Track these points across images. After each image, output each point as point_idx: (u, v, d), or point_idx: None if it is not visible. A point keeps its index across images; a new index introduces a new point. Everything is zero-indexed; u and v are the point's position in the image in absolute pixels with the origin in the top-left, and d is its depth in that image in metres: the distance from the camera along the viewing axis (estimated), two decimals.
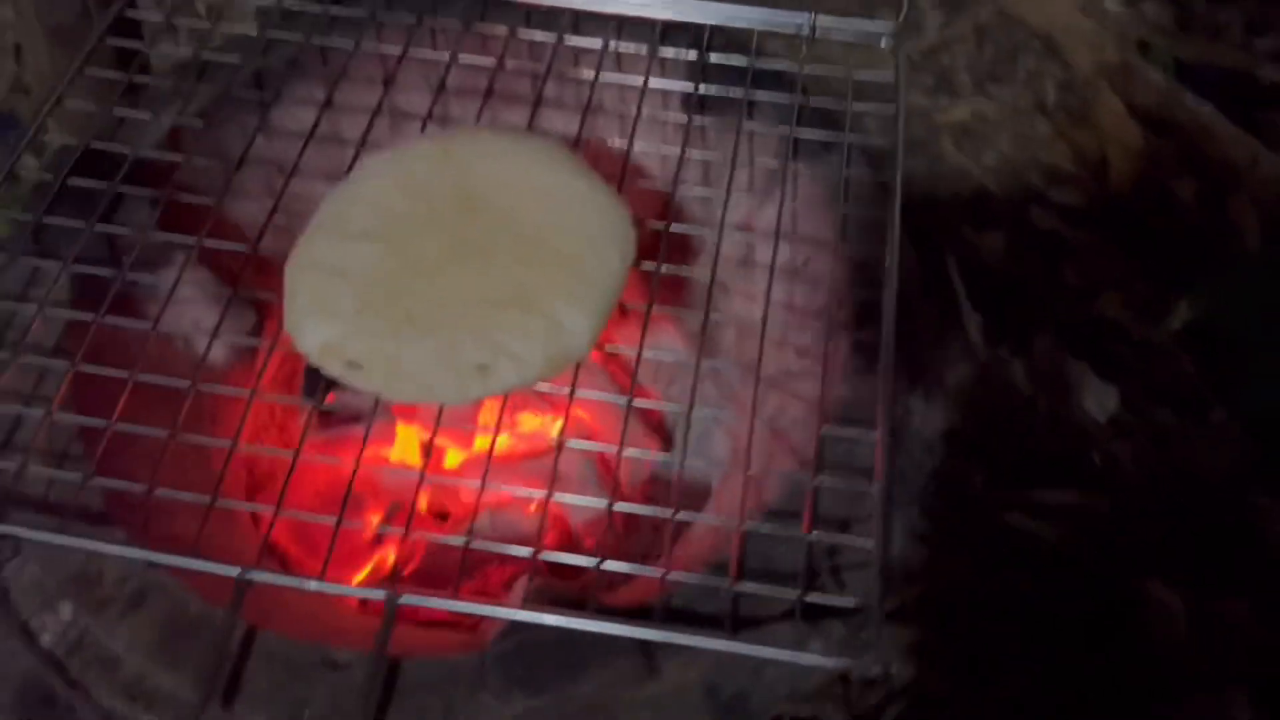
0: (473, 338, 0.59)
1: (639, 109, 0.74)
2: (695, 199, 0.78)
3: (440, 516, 0.82)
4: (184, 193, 0.71)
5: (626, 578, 0.64)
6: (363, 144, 0.71)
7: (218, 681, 0.57)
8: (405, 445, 0.83)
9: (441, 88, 0.74)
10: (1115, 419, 1.06)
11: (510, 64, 0.76)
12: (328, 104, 0.74)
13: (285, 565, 0.78)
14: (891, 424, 0.61)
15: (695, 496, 0.79)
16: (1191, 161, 1.22)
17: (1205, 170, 1.20)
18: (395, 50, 0.76)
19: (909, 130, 0.76)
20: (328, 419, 0.82)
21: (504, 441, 0.83)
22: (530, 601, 0.57)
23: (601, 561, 0.57)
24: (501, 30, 0.77)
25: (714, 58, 0.76)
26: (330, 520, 0.59)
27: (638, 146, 0.74)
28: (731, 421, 0.77)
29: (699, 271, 0.72)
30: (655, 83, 0.75)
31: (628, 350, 0.65)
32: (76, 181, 0.70)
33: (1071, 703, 0.90)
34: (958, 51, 1.34)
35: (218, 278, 0.74)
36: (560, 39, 0.77)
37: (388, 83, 0.75)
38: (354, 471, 0.61)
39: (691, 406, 0.64)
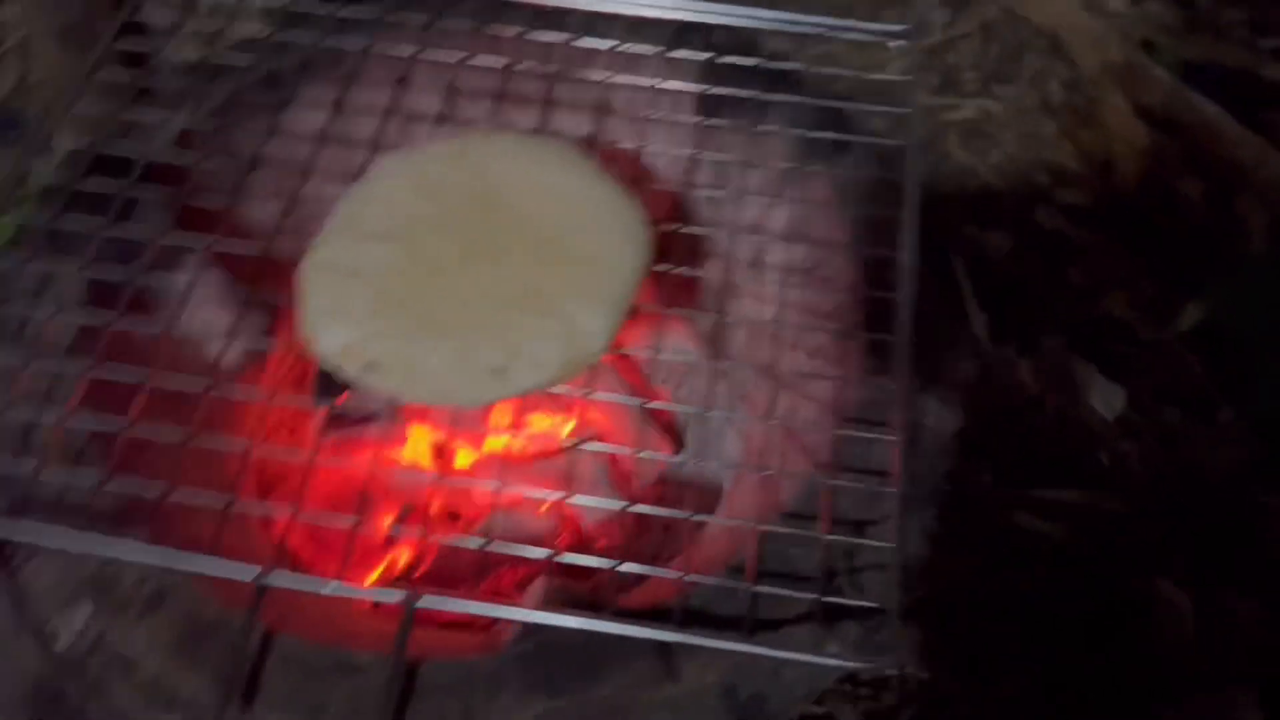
0: (490, 340, 0.59)
1: (650, 110, 0.74)
2: (706, 200, 0.78)
3: (451, 517, 0.82)
4: (196, 195, 0.71)
5: (639, 578, 0.64)
6: (374, 146, 0.71)
7: (236, 684, 0.57)
8: (416, 446, 0.83)
9: (453, 89, 0.74)
10: (1122, 419, 1.06)
11: (521, 65, 0.76)
12: (339, 106, 0.74)
13: (297, 566, 0.78)
14: (917, 426, 0.61)
15: (708, 497, 0.79)
16: (1197, 161, 1.22)
17: (1211, 170, 1.21)
18: (406, 52, 0.76)
19: (902, 126, 0.76)
20: (338, 420, 0.82)
21: (515, 442, 0.83)
22: (548, 603, 0.57)
23: (620, 564, 0.57)
24: (512, 31, 0.77)
25: (725, 59, 0.76)
26: (347, 522, 0.59)
27: (649, 148, 0.74)
28: (745, 422, 0.77)
29: (710, 273, 0.72)
30: (666, 84, 0.75)
31: (640, 352, 0.65)
32: (89, 184, 0.69)
33: (1078, 700, 0.90)
34: (963, 50, 1.34)
35: (229, 279, 0.74)
36: (571, 40, 0.77)
37: (399, 84, 0.75)
38: (369, 473, 0.61)
39: (708, 409, 0.64)
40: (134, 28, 0.79)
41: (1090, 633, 0.95)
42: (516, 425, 0.80)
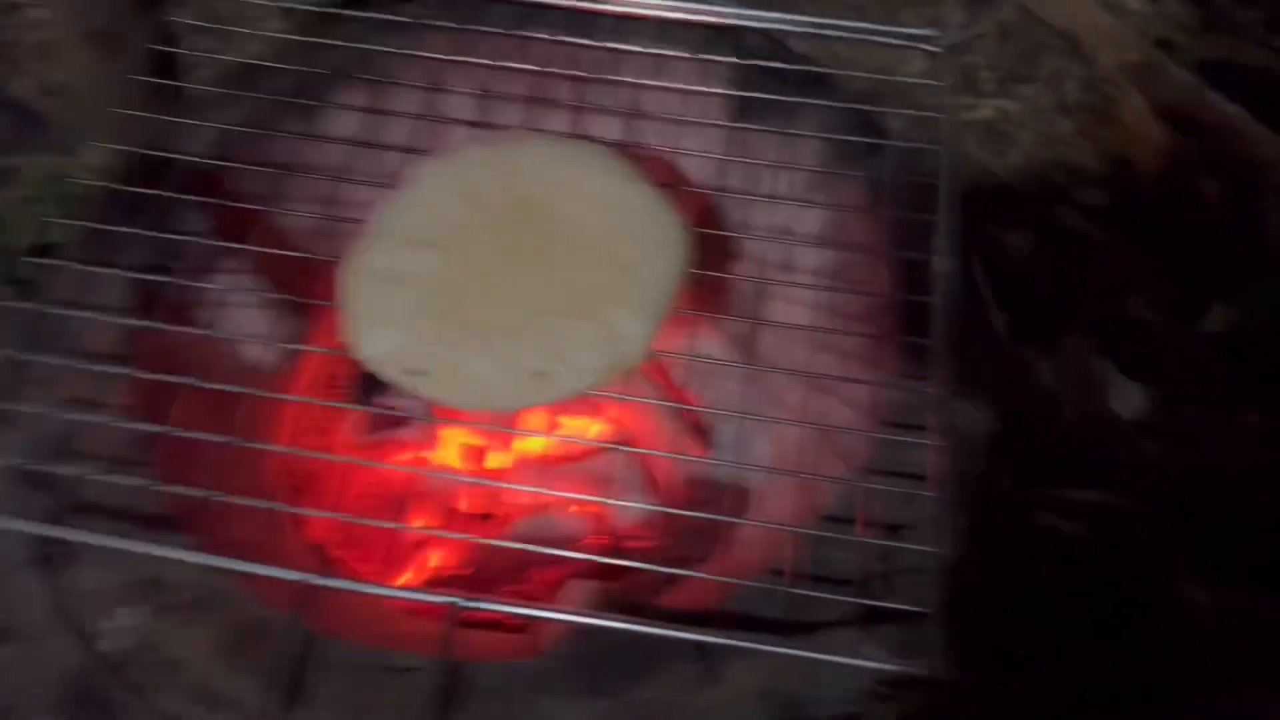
0: (531, 345, 0.60)
1: (682, 114, 0.74)
2: (737, 203, 0.78)
3: (483, 518, 0.83)
4: (232, 199, 0.72)
5: (675, 579, 0.65)
6: (409, 150, 0.72)
7: (285, 685, 0.57)
8: (450, 448, 0.84)
9: (486, 93, 0.75)
10: (1143, 418, 1.07)
11: (553, 69, 0.76)
12: (373, 110, 0.75)
13: (334, 568, 0.78)
14: (951, 430, 0.62)
15: (738, 499, 0.80)
16: (1216, 160, 1.22)
17: (1231, 169, 1.21)
18: (439, 56, 0.76)
19: (933, 129, 0.77)
20: (374, 422, 0.83)
21: (546, 444, 0.83)
22: (591, 606, 0.57)
23: (663, 567, 0.58)
24: (544, 36, 0.78)
25: (756, 62, 0.77)
26: (389, 525, 0.59)
27: (681, 151, 0.74)
28: (778, 425, 0.77)
29: (742, 276, 0.72)
30: (698, 87, 0.75)
31: (676, 356, 0.66)
32: (128, 188, 0.70)
33: (1101, 699, 0.91)
34: (981, 50, 1.34)
35: (265, 282, 0.74)
36: (603, 44, 0.77)
37: (433, 88, 0.75)
38: (408, 476, 0.62)
39: (742, 412, 0.65)
40: (166, 31, 0.80)
41: (1112, 632, 0.95)
42: (549, 428, 0.81)
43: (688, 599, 0.64)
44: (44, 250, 0.68)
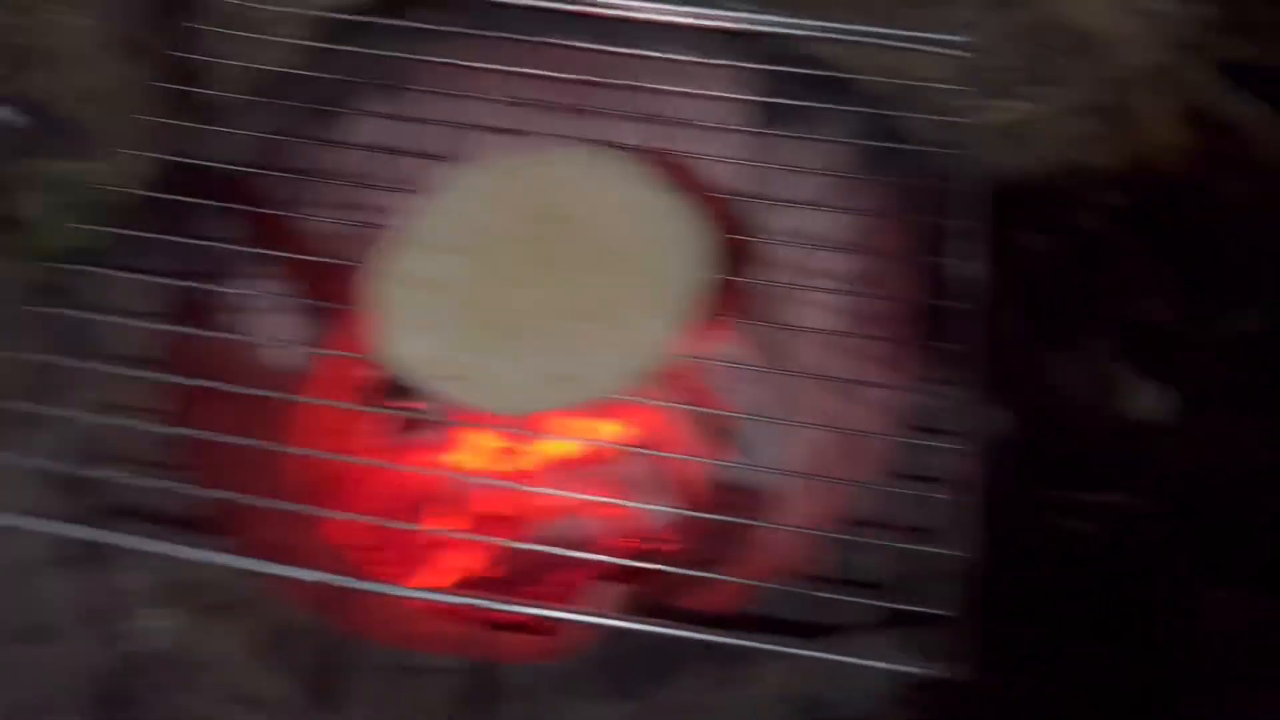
0: (557, 350, 0.61)
1: (706, 120, 0.75)
2: (761, 208, 0.79)
3: (507, 520, 0.83)
4: (258, 205, 0.73)
5: (700, 581, 0.65)
6: (435, 156, 0.72)
7: (315, 686, 0.58)
8: (474, 450, 0.84)
9: (512, 100, 0.75)
10: (1165, 421, 1.06)
11: (578, 76, 0.77)
12: (399, 116, 0.75)
13: (357, 568, 0.79)
14: (981, 435, 0.62)
15: (761, 502, 0.80)
16: (1239, 162, 1.22)
17: (1253, 171, 1.20)
18: (465, 63, 0.77)
19: (956, 133, 0.77)
20: (396, 425, 0.84)
21: (570, 447, 0.84)
22: (622, 609, 0.58)
23: (687, 569, 0.58)
24: (569, 42, 0.78)
25: (781, 68, 0.77)
26: (418, 527, 0.60)
27: (708, 157, 0.75)
28: (803, 429, 0.78)
29: (770, 281, 0.73)
30: (722, 93, 0.76)
31: (700, 359, 0.66)
32: (157, 194, 0.71)
33: (1122, 702, 0.91)
34: (1002, 52, 1.34)
35: (292, 287, 0.75)
36: (627, 51, 0.78)
37: (459, 95, 0.76)
38: (435, 478, 0.63)
39: (766, 415, 0.65)
40: (193, 39, 0.81)
41: (1133, 634, 0.95)
42: (572, 430, 0.82)
43: (712, 601, 0.64)
44: (71, 256, 0.69)
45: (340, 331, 0.79)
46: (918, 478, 0.65)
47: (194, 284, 0.68)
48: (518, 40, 0.79)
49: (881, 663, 0.57)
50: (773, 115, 0.76)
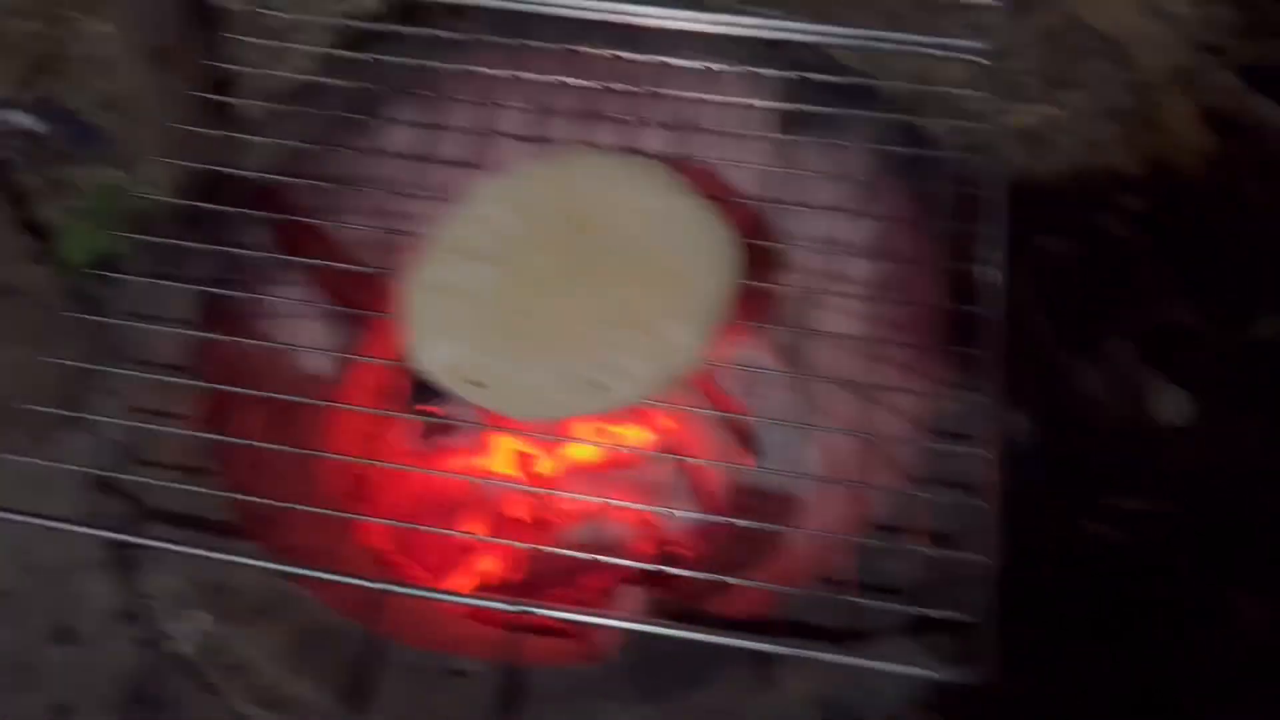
0: (586, 356, 0.62)
1: (732, 127, 0.75)
2: (788, 215, 0.79)
3: (535, 524, 0.84)
4: (289, 213, 0.73)
5: (725, 586, 0.66)
6: (465, 165, 0.73)
7: (347, 688, 0.59)
8: (501, 455, 0.85)
9: (541, 108, 0.76)
10: (1190, 425, 1.06)
11: (606, 85, 0.78)
12: (430, 125, 0.76)
13: (388, 571, 0.80)
14: (1002, 440, 0.62)
15: (785, 507, 0.80)
16: (1262, 165, 1.21)
17: (1276, 173, 1.20)
18: (495, 72, 0.78)
19: (979, 138, 0.77)
20: (426, 430, 0.84)
21: (594, 452, 0.85)
22: (647, 613, 0.59)
23: (715, 575, 0.59)
24: (597, 52, 0.79)
25: (804, 74, 0.77)
26: (451, 533, 0.61)
27: (731, 163, 0.75)
28: (826, 434, 0.78)
29: (790, 286, 0.73)
30: (748, 101, 0.76)
31: (727, 365, 0.67)
32: (191, 203, 0.72)
33: (1149, 705, 0.91)
34: (1024, 56, 1.34)
35: (323, 294, 0.76)
36: (655, 59, 0.78)
37: (488, 104, 0.77)
38: (466, 483, 0.64)
39: (792, 420, 0.66)
40: (223, 48, 0.82)
41: (1159, 639, 0.95)
42: (598, 436, 0.82)
43: (740, 606, 0.65)
44: (102, 262, 0.70)
45: (370, 338, 0.80)
46: (940, 483, 0.65)
47: (225, 291, 0.69)
48: (547, 49, 0.79)
49: (905, 668, 0.58)
50: (795, 121, 0.76)
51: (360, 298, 0.70)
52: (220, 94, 0.81)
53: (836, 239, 0.78)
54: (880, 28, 0.80)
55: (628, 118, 0.78)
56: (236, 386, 0.64)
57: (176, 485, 0.63)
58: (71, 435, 0.64)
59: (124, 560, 0.68)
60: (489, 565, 0.81)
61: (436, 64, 0.80)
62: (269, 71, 0.81)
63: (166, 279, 0.70)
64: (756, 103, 0.77)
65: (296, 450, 0.62)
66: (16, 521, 0.60)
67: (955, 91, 0.78)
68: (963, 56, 0.79)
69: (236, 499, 0.62)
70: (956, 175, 0.74)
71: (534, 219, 0.66)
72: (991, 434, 0.63)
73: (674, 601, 0.67)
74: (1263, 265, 1.14)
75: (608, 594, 0.77)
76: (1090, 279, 1.16)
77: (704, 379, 0.89)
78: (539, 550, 0.62)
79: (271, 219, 0.74)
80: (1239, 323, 1.10)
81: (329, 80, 0.80)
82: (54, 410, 0.64)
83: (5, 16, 1.37)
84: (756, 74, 0.78)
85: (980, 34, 0.80)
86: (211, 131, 0.77)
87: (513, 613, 0.58)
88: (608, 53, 0.79)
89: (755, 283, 0.68)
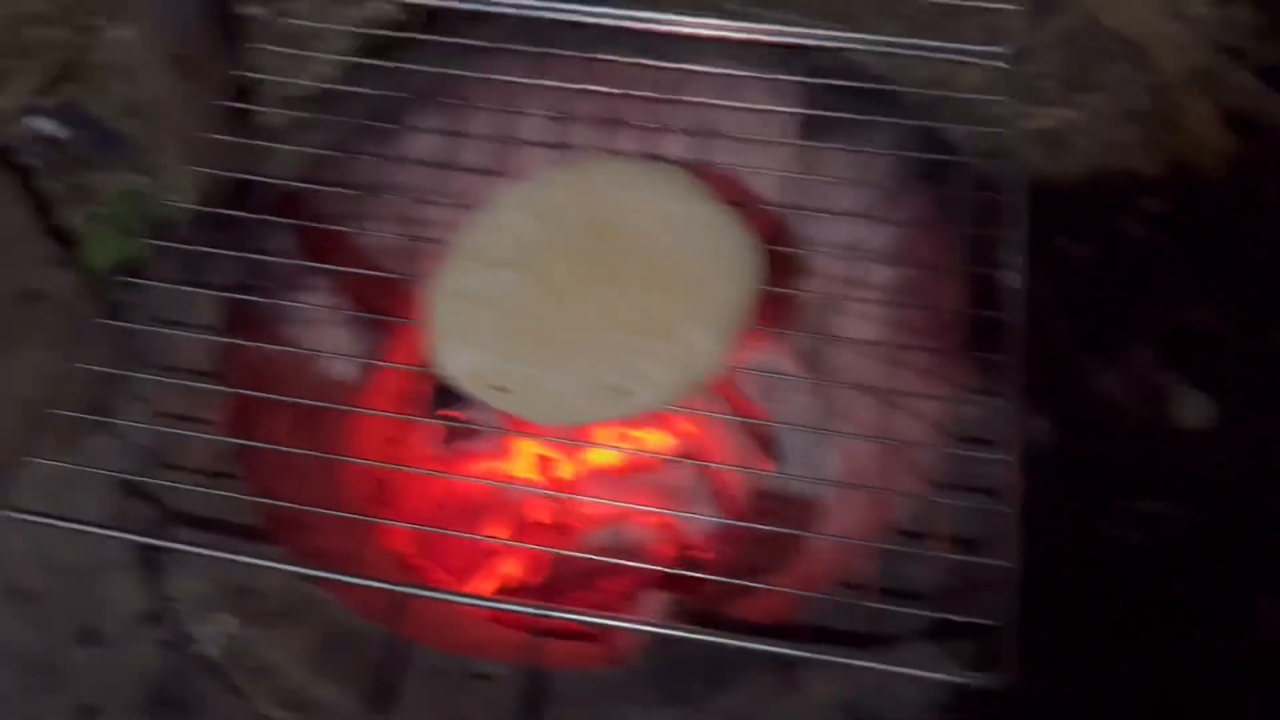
0: (609, 362, 0.62)
1: (753, 133, 0.75)
2: (806, 220, 0.80)
3: (555, 528, 0.84)
4: (310, 220, 0.74)
5: (747, 590, 0.66)
6: (487, 171, 0.74)
7: (371, 690, 0.59)
8: (522, 459, 0.86)
9: (562, 115, 0.76)
10: (1211, 429, 1.06)
11: (627, 91, 0.78)
12: (452, 132, 0.77)
13: (411, 575, 0.81)
14: (1022, 445, 0.62)
15: (805, 512, 0.81)
16: None
17: None
18: (517, 79, 0.78)
19: (999, 143, 0.77)
20: (447, 434, 0.85)
21: (615, 456, 0.85)
22: (670, 617, 0.59)
23: (738, 579, 0.59)
24: (617, 58, 0.79)
25: (824, 80, 0.78)
26: (476, 537, 0.61)
27: (752, 169, 0.76)
28: (847, 439, 0.78)
29: (813, 292, 0.73)
30: (772, 107, 0.77)
31: (749, 371, 0.67)
32: (216, 209, 0.73)
33: (1170, 709, 0.90)
34: (1043, 59, 1.33)
35: (345, 300, 0.76)
36: (673, 65, 0.79)
37: (510, 111, 0.77)
38: (489, 488, 0.64)
39: (812, 425, 0.66)
40: (246, 55, 0.82)
41: (1180, 643, 0.94)
42: (618, 440, 0.83)
43: (762, 610, 0.65)
44: (127, 269, 0.70)
45: (393, 343, 0.80)
46: (961, 487, 0.65)
47: (251, 297, 0.70)
48: (568, 56, 0.80)
49: (927, 672, 0.58)
50: (816, 127, 0.77)
51: (383, 303, 0.71)
52: (243, 101, 0.82)
53: (857, 244, 0.78)
54: (899, 33, 0.80)
55: (649, 124, 0.78)
56: (261, 391, 0.65)
57: (202, 489, 0.64)
58: (98, 439, 0.65)
59: (149, 563, 0.69)
60: (511, 569, 0.81)
61: (458, 71, 0.80)
62: (291, 79, 0.81)
63: (190, 285, 0.71)
64: (777, 108, 0.77)
65: (320, 455, 0.63)
66: (43, 524, 0.61)
67: (974, 96, 0.78)
68: (982, 60, 0.79)
69: (261, 503, 0.63)
70: (976, 179, 0.74)
71: (556, 225, 0.66)
72: (1012, 438, 0.63)
73: (696, 605, 0.67)
74: None
75: (629, 598, 0.77)
76: (1110, 281, 1.15)
77: (725, 384, 0.89)
78: (560, 554, 0.62)
79: (294, 225, 0.75)
80: (1260, 325, 1.10)
81: (351, 88, 0.80)
82: (80, 415, 0.65)
83: (29, 23, 1.38)
84: (777, 80, 0.78)
85: (999, 38, 0.80)
86: (234, 138, 0.78)
87: (534, 616, 0.58)
88: (629, 59, 0.79)
89: (776, 288, 0.68)
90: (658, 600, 0.67)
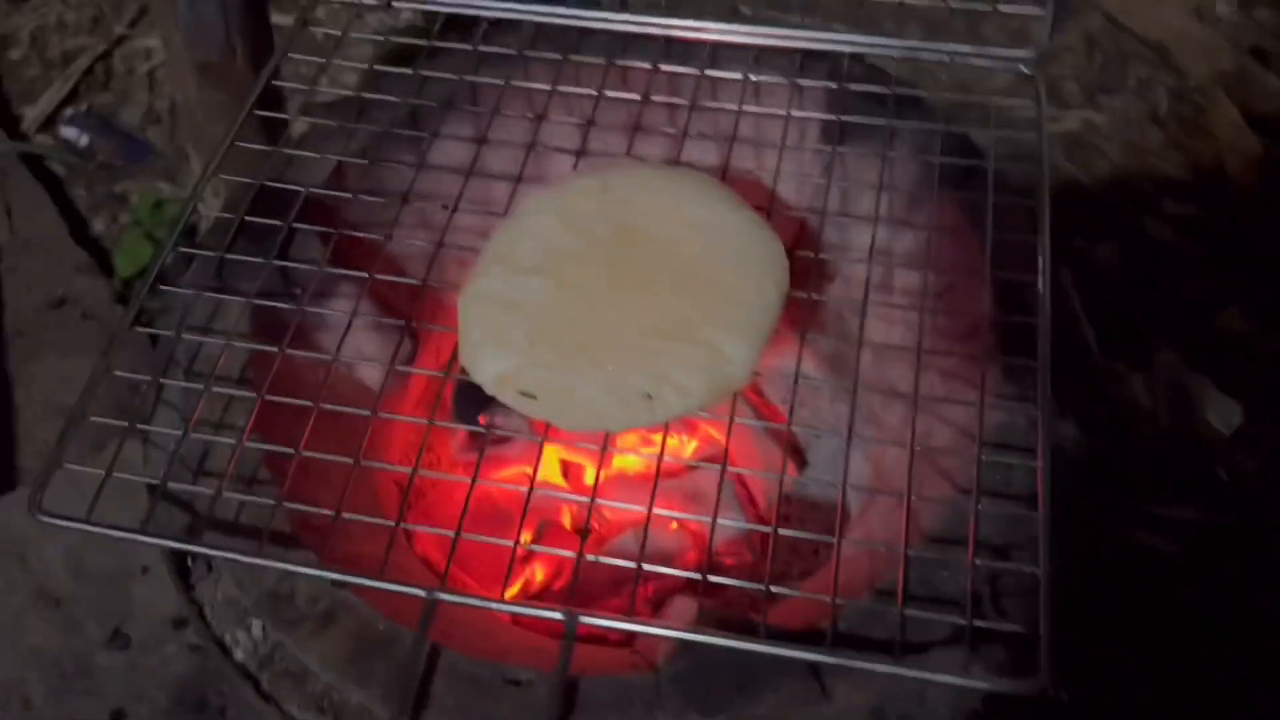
0: (638, 368, 0.62)
1: (780, 139, 0.76)
2: (836, 226, 0.80)
3: (579, 532, 0.85)
4: (338, 227, 0.75)
5: (777, 596, 0.66)
6: (515, 178, 0.74)
7: (405, 697, 0.60)
8: (549, 465, 0.86)
9: (588, 122, 0.77)
10: (1239, 433, 1.05)
11: (651, 97, 0.78)
12: (480, 140, 0.77)
13: (438, 580, 0.81)
14: (1051, 450, 0.62)
15: (833, 518, 0.80)
16: None
17: None
18: (542, 87, 0.79)
19: (1026, 147, 0.77)
20: (476, 440, 0.85)
21: (643, 462, 0.85)
22: (698, 623, 0.59)
23: (768, 585, 0.59)
24: (643, 65, 0.80)
25: (853, 87, 0.78)
26: (505, 542, 0.61)
27: (776, 174, 0.76)
28: (876, 445, 0.78)
29: (838, 297, 0.73)
30: (795, 112, 0.77)
31: (779, 377, 0.67)
32: (247, 218, 0.73)
33: (1202, 716, 0.90)
34: (1066, 61, 1.33)
35: (376, 306, 0.77)
36: (701, 71, 0.79)
37: (536, 118, 0.78)
38: (520, 494, 0.64)
39: (841, 432, 0.66)
40: (275, 64, 0.83)
41: (1213, 648, 0.94)
42: (646, 445, 0.83)
43: (792, 616, 0.65)
44: (155, 276, 0.71)
45: (421, 350, 0.81)
46: (990, 493, 0.65)
47: (278, 304, 0.70)
48: (593, 63, 0.80)
49: (959, 679, 0.57)
50: (840, 132, 0.77)
51: (411, 310, 0.71)
52: (270, 109, 0.82)
53: (886, 249, 0.78)
54: (922, 37, 0.80)
55: (673, 130, 0.78)
56: (290, 398, 0.65)
57: (232, 495, 0.64)
58: (128, 445, 0.65)
59: (179, 568, 0.69)
60: (538, 574, 0.81)
61: (482, 79, 0.81)
62: (316, 87, 0.82)
63: (219, 292, 0.72)
64: (800, 114, 0.77)
65: (349, 460, 0.63)
66: (75, 529, 0.61)
67: (998, 100, 0.78)
68: (1005, 64, 0.79)
69: (292, 508, 0.63)
70: (1000, 183, 0.74)
71: (583, 231, 0.66)
72: (1041, 443, 0.63)
73: (724, 611, 0.67)
74: None
75: (657, 604, 0.77)
76: (1136, 285, 1.15)
77: (753, 390, 0.89)
78: (588, 559, 0.62)
79: (322, 232, 0.75)
80: None
81: (376, 95, 0.81)
82: (111, 420, 0.65)
83: (58, 33, 1.40)
84: (801, 85, 0.78)
85: (1022, 41, 0.80)
86: (262, 146, 0.78)
87: (563, 621, 0.58)
88: (652, 65, 0.80)
89: (802, 294, 0.68)
90: (686, 606, 0.67)
